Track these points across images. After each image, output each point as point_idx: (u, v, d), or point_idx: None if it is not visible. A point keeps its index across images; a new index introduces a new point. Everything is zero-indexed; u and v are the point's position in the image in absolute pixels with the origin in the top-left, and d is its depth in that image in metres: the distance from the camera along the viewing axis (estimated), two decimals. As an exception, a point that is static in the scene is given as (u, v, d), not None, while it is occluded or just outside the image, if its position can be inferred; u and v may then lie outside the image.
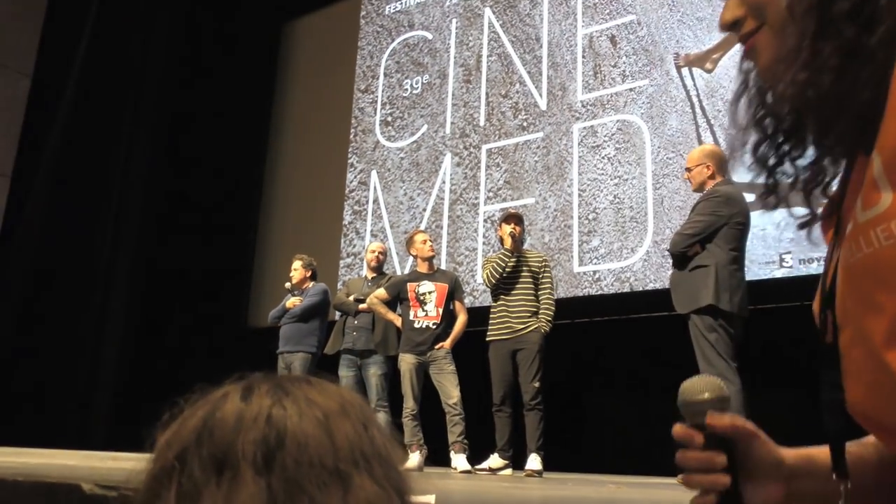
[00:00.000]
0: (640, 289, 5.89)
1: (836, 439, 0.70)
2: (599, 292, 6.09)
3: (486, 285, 4.59)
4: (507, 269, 4.50)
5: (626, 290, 5.96)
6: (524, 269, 4.57)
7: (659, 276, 5.79)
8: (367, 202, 7.76)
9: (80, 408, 7.69)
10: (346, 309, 5.35)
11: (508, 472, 4.33)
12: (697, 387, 0.74)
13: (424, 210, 7.30)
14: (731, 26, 0.70)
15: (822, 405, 0.69)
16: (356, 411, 0.61)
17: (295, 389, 0.60)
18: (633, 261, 5.95)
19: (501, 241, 4.72)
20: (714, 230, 3.62)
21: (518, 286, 4.52)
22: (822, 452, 0.73)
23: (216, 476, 0.55)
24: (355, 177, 7.98)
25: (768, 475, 0.72)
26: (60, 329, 7.70)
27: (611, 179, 6.24)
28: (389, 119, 7.89)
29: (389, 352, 5.10)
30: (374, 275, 5.51)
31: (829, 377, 0.68)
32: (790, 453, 0.74)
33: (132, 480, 0.60)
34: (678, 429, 0.74)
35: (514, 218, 4.61)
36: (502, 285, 4.53)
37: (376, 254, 5.56)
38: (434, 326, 4.76)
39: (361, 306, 5.23)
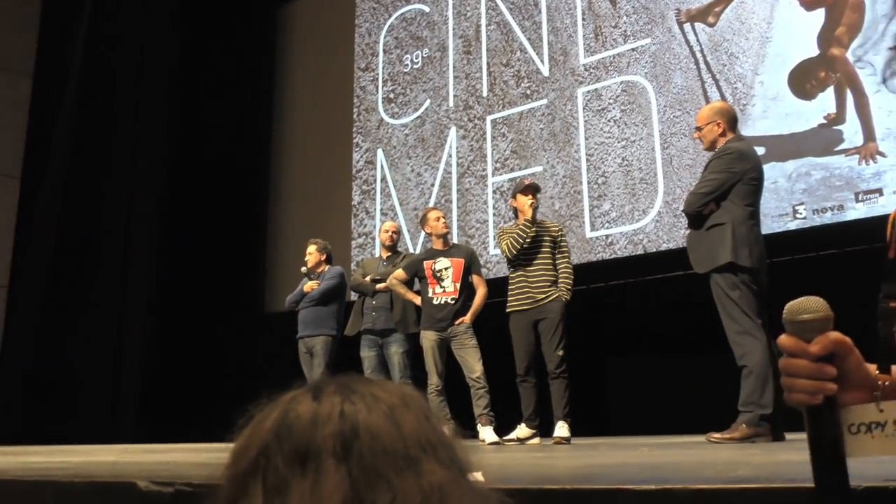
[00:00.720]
0: (654, 250, 5.90)
1: (886, 342, 0.80)
2: (613, 256, 6.10)
3: (507, 256, 4.57)
4: (528, 241, 4.50)
5: (640, 252, 5.97)
6: (543, 239, 4.56)
7: (672, 236, 5.79)
8: (375, 181, 7.76)
9: (104, 402, 7.78)
10: (364, 290, 5.38)
11: (536, 440, 4.37)
12: (803, 307, 0.80)
13: (433, 185, 7.30)
14: None
15: (877, 312, 0.80)
16: (416, 404, 0.66)
17: (360, 387, 0.65)
18: (645, 222, 5.95)
19: (515, 212, 4.72)
20: (728, 187, 3.60)
21: (538, 256, 4.52)
22: None
23: (300, 468, 0.59)
24: (361, 156, 7.97)
25: (857, 384, 0.80)
26: (78, 327, 7.77)
27: (618, 142, 6.22)
28: (392, 96, 7.86)
29: (409, 329, 5.13)
30: (389, 254, 5.53)
31: (886, 289, 0.79)
32: (875, 370, 0.82)
33: (213, 478, 0.64)
34: (786, 340, 0.79)
35: (531, 188, 4.60)
36: (521, 256, 4.53)
37: (390, 233, 5.57)
38: (453, 302, 4.78)
39: (379, 286, 5.25)
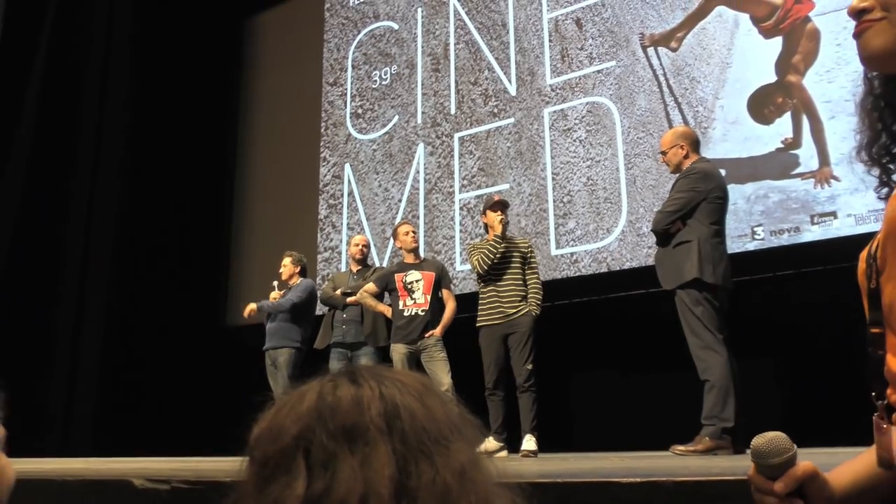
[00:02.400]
0: (618, 268, 6.02)
1: (875, 365, 0.86)
2: (578, 274, 6.21)
3: (479, 271, 4.64)
4: (498, 256, 4.58)
5: (604, 270, 6.09)
6: (513, 254, 4.65)
7: (635, 254, 5.93)
8: (342, 195, 7.80)
9: (56, 417, 7.61)
10: (334, 303, 5.41)
11: (504, 454, 4.42)
12: (771, 450, 0.86)
13: (400, 201, 7.36)
14: (857, 13, 0.79)
15: (866, 338, 0.85)
16: (436, 390, 0.74)
17: (388, 375, 0.73)
18: (609, 241, 6.09)
19: (486, 227, 4.81)
20: (694, 206, 3.74)
21: (508, 272, 4.61)
22: (858, 472, 0.88)
23: (348, 444, 0.65)
24: (329, 170, 8.00)
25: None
26: (31, 336, 7.61)
27: (583, 162, 6.36)
28: (360, 111, 7.92)
29: (379, 342, 5.18)
30: (359, 267, 5.58)
31: (872, 315, 0.85)
32: (837, 483, 0.88)
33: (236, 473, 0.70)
34: (758, 480, 0.86)
35: (500, 205, 4.69)
36: (492, 271, 4.61)
37: (360, 246, 5.62)
38: (423, 313, 4.84)
39: (350, 299, 5.30)
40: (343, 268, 7.26)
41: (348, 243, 6.04)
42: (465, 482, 0.65)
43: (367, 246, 5.76)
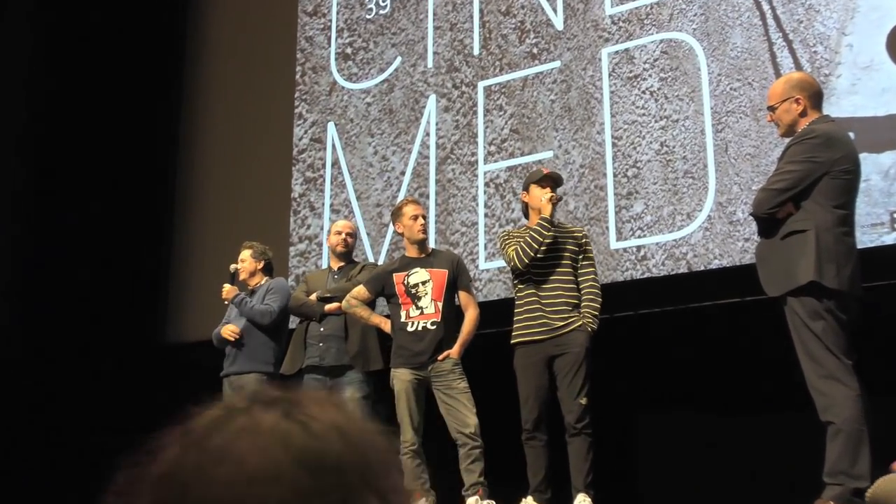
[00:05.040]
0: (702, 268, 6.01)
1: None
2: (646, 275, 6.20)
3: (517, 265, 4.63)
4: (545, 246, 4.58)
5: (683, 270, 6.08)
6: (562, 246, 4.66)
7: (726, 249, 5.90)
8: (324, 166, 7.82)
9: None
10: (308, 312, 5.43)
11: (548, 519, 4.45)
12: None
13: (403, 174, 7.38)
14: None
15: None
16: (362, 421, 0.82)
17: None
18: (691, 230, 6.07)
19: (525, 211, 4.81)
20: (812, 182, 3.71)
21: (556, 270, 4.62)
22: None
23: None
24: (306, 132, 8.02)
25: None
26: None
27: (655, 121, 6.34)
28: (349, 51, 7.94)
29: (370, 366, 5.20)
30: (342, 264, 5.62)
31: None
32: None
33: None
34: None
35: (550, 179, 4.70)
36: (534, 268, 4.61)
37: (343, 235, 5.64)
38: (434, 327, 4.86)
39: (329, 307, 5.29)
40: (324, 264, 7.26)
41: (329, 231, 6.04)
42: None
43: (353, 234, 5.78)
